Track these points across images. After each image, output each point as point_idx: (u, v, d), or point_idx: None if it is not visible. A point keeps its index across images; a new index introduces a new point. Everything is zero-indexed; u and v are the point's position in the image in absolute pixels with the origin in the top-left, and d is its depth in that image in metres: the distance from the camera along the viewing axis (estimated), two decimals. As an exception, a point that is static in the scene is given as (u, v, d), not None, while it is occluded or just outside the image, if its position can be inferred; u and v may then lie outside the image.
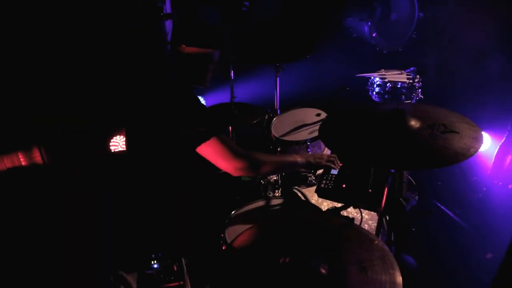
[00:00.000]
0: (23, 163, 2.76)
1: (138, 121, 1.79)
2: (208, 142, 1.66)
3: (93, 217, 2.30)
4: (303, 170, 2.32)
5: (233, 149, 1.70)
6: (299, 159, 1.86)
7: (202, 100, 4.17)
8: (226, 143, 1.70)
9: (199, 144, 1.65)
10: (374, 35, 4.25)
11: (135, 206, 1.81)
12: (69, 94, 2.75)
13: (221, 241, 1.75)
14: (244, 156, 1.71)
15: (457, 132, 1.33)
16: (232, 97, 2.89)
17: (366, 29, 4.22)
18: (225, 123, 2.85)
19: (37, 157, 2.82)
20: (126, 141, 1.86)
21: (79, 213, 2.55)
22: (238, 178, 2.22)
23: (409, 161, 1.25)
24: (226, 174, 2.17)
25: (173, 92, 1.74)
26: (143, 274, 1.54)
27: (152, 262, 1.55)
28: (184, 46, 1.76)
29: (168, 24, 3.26)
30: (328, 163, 1.87)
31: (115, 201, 1.86)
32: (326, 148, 2.47)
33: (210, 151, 1.68)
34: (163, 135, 1.70)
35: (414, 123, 1.36)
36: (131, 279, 1.53)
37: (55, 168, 2.85)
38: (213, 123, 1.69)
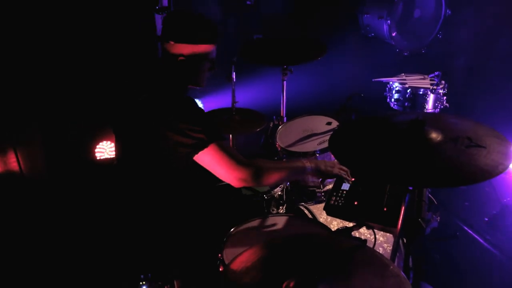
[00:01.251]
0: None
1: (128, 127, 1.83)
2: (206, 150, 1.68)
3: (75, 231, 2.33)
4: (311, 179, 2.35)
5: (235, 157, 1.73)
6: (308, 164, 1.88)
7: (200, 104, 4.22)
8: (227, 151, 1.72)
9: (196, 152, 1.68)
10: (394, 34, 4.29)
11: (123, 219, 1.84)
12: (51, 93, 2.80)
13: (218, 262, 1.77)
14: (247, 165, 1.73)
15: (484, 147, 1.35)
16: (234, 101, 2.93)
17: (385, 27, 4.26)
18: (225, 129, 2.88)
19: (13, 162, 2.86)
20: (115, 148, 1.89)
21: (59, 227, 2.58)
22: (239, 192, 2.24)
23: (428, 178, 1.28)
24: (226, 187, 2.21)
25: (166, 95, 1.77)
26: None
27: (141, 283, 1.58)
28: (172, 43, 1.78)
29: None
30: (339, 172, 1.91)
31: (100, 214, 1.90)
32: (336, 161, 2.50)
33: (209, 159, 1.70)
34: (155, 143, 1.73)
35: (435, 135, 1.39)
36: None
37: (33, 175, 2.88)
38: (211, 129, 1.71)
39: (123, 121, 1.85)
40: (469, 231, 2.80)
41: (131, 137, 1.81)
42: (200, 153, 1.68)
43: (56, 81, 2.80)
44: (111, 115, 1.93)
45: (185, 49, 1.79)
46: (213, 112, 3.07)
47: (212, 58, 1.87)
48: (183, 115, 1.71)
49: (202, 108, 4.17)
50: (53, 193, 2.79)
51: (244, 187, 2.26)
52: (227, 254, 1.77)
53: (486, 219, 2.84)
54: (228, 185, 2.21)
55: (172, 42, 1.78)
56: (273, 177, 1.80)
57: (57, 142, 2.97)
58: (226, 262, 1.72)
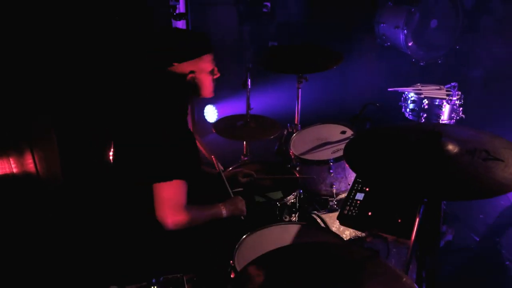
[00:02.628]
0: (14, 170, 2.84)
1: (121, 136, 1.89)
2: (163, 184, 1.72)
3: (88, 234, 2.36)
4: (324, 187, 2.47)
5: (183, 202, 1.77)
6: (224, 211, 1.96)
7: (214, 110, 4.24)
8: (182, 193, 1.76)
9: (159, 181, 1.73)
10: (410, 44, 4.27)
11: (134, 223, 1.86)
12: (66, 95, 2.83)
13: (230, 269, 1.78)
14: (188, 211, 1.78)
15: (502, 160, 1.34)
16: (248, 108, 2.94)
17: (401, 37, 4.25)
18: (240, 136, 2.90)
19: (30, 163, 2.90)
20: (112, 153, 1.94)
21: (73, 230, 2.61)
22: (252, 199, 2.24)
23: (444, 191, 1.27)
24: (240, 194, 2.22)
25: (165, 112, 1.82)
26: (142, 301, 1.58)
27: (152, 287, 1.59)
28: (176, 64, 1.82)
29: (181, 26, 3.36)
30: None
31: (110, 216, 1.92)
32: (351, 171, 2.49)
33: (161, 193, 1.74)
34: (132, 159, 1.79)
35: (451, 147, 1.38)
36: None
37: (49, 177, 2.92)
38: (182, 165, 1.76)
39: (118, 130, 1.92)
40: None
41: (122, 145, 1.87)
42: (159, 184, 1.73)
43: (72, 82, 2.83)
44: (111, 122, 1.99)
45: (190, 66, 1.85)
46: (227, 119, 3.09)
47: (214, 65, 1.93)
48: (167, 141, 1.76)
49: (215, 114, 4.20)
50: (68, 195, 2.83)
51: (257, 195, 2.27)
52: (239, 260, 1.78)
53: (482, 215, 2.87)
54: (242, 192, 2.23)
55: (176, 64, 1.83)
56: (195, 222, 1.83)
57: (72, 145, 3.01)
58: (238, 269, 1.72)
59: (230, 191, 2.16)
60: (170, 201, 1.75)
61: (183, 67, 1.84)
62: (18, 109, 2.67)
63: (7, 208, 2.61)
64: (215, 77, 1.96)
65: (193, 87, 1.89)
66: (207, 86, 1.94)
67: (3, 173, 2.66)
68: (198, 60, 1.85)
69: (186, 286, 1.65)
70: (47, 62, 2.70)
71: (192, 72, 1.85)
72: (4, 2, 2.47)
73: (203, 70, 1.88)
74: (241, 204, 2.06)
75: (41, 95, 2.73)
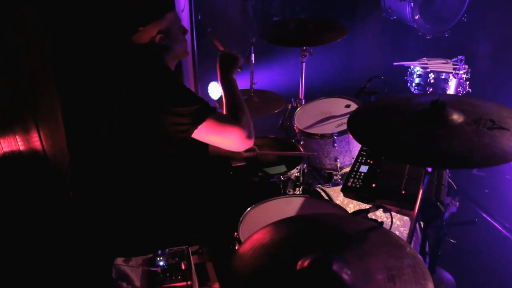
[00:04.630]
0: (21, 148, 2.85)
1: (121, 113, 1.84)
2: (204, 125, 1.72)
3: (92, 208, 2.38)
4: (328, 162, 2.47)
5: (230, 122, 1.79)
6: (231, 76, 1.99)
7: (218, 86, 4.20)
8: (223, 120, 1.78)
9: (195, 128, 1.72)
10: (416, 17, 4.19)
11: (135, 195, 1.87)
12: (72, 71, 2.81)
13: (234, 240, 1.79)
14: (238, 123, 1.81)
15: (507, 129, 1.33)
16: (252, 83, 2.92)
17: (407, 10, 4.17)
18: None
19: (36, 141, 2.91)
20: None
21: (76, 202, 2.63)
22: (256, 172, 2.24)
23: (448, 159, 1.26)
24: (243, 168, 2.22)
25: (153, 80, 1.78)
26: (148, 271, 1.59)
27: (158, 259, 1.61)
28: (141, 28, 1.78)
29: (184, 1, 3.31)
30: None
31: (115, 191, 1.93)
32: (356, 144, 2.48)
33: (209, 133, 1.75)
34: (150, 128, 1.76)
35: (456, 117, 1.36)
36: (135, 276, 1.59)
37: (56, 156, 2.93)
38: (204, 104, 1.75)
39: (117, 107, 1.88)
40: (488, 218, 2.76)
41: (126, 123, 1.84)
42: (199, 129, 1.72)
43: (77, 61, 2.81)
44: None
45: (156, 27, 1.80)
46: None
47: (179, 21, 1.89)
48: (175, 97, 1.74)
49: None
50: (75, 171, 2.84)
51: (260, 169, 2.26)
52: (243, 232, 1.79)
53: (487, 190, 2.87)
54: (245, 166, 2.23)
55: (141, 28, 1.79)
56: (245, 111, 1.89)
57: (78, 123, 3.01)
58: (242, 240, 1.73)
59: None
60: (228, 130, 1.79)
61: (150, 30, 1.80)
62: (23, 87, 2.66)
63: (15, 184, 2.63)
64: (185, 33, 1.93)
65: (166, 48, 1.85)
66: (179, 44, 1.90)
67: (10, 150, 2.67)
68: (162, 19, 1.81)
69: (191, 257, 1.67)
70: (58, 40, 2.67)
71: (159, 32, 1.81)
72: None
73: (171, 28, 1.84)
74: (228, 57, 2.03)
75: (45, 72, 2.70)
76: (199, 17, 4.15)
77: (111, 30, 1.98)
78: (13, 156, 2.67)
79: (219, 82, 2.02)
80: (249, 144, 1.86)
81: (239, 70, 2.06)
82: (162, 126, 1.73)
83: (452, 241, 2.21)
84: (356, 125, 1.48)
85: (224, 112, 1.93)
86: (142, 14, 1.79)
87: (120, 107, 1.80)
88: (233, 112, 1.88)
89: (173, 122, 1.72)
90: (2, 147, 2.63)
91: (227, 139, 1.81)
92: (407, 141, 1.33)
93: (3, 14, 2.35)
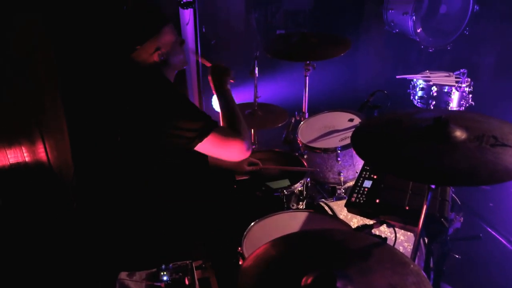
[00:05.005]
0: (26, 159, 2.87)
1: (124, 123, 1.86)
2: (207, 139, 1.74)
3: (96, 220, 2.39)
4: (332, 176, 2.44)
5: (229, 134, 1.82)
6: (226, 87, 2.01)
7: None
8: (224, 134, 1.80)
9: (200, 141, 1.74)
10: (419, 30, 4.21)
11: (139, 209, 1.88)
12: (77, 83, 2.83)
13: (238, 255, 1.79)
14: (237, 135, 1.83)
15: (510, 146, 1.33)
16: (256, 96, 2.94)
17: (410, 23, 4.19)
18: (247, 124, 2.92)
19: (42, 152, 2.92)
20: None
21: (80, 213, 2.63)
22: (260, 187, 2.25)
23: (451, 176, 1.26)
24: (246, 182, 2.22)
25: (157, 94, 1.80)
26: (152, 286, 1.60)
27: (162, 274, 1.61)
28: (139, 47, 1.80)
29: (188, 14, 3.34)
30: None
31: (119, 204, 1.94)
32: (359, 159, 2.48)
33: (212, 147, 1.77)
34: (154, 140, 1.78)
35: (459, 133, 1.37)
36: (138, 291, 1.59)
37: (61, 167, 2.94)
38: (207, 119, 1.78)
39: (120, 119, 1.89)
40: (493, 232, 2.74)
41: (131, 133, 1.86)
42: (203, 142, 1.75)
43: (81, 71, 2.83)
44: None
45: (153, 44, 1.83)
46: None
47: (176, 34, 1.91)
48: (180, 112, 1.76)
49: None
50: (79, 183, 2.85)
51: (264, 183, 2.27)
52: (247, 248, 1.79)
53: (491, 204, 2.85)
54: (249, 179, 2.24)
55: (138, 47, 1.81)
56: (243, 122, 1.91)
57: (82, 134, 3.02)
58: (246, 255, 1.73)
59: None
60: (224, 149, 1.81)
61: (148, 48, 1.82)
62: (30, 98, 2.68)
63: (20, 194, 2.65)
64: (182, 45, 1.96)
65: (165, 62, 1.87)
66: (177, 56, 1.92)
67: (16, 161, 2.69)
68: (159, 35, 1.83)
69: (195, 272, 1.67)
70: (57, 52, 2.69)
71: (157, 49, 1.83)
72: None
73: (168, 43, 1.86)
74: (219, 69, 2.05)
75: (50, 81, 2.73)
76: (204, 29, 4.19)
77: (111, 47, 2.01)
78: (19, 167, 2.69)
79: (215, 94, 2.04)
80: (247, 154, 1.88)
81: (232, 81, 2.08)
82: (166, 140, 1.76)
83: (457, 256, 2.19)
84: (360, 141, 1.49)
85: (221, 123, 1.95)
86: (138, 33, 1.82)
87: (124, 121, 1.82)
88: (231, 124, 1.90)
89: (177, 135, 1.74)
90: (8, 158, 2.65)
91: (228, 152, 1.83)
92: (410, 158, 1.34)
93: (8, 27, 2.39)
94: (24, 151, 2.74)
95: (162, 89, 1.82)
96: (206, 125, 1.76)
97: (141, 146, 1.82)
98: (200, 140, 1.74)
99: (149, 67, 1.85)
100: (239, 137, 1.83)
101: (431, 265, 1.74)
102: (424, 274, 1.24)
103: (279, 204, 2.20)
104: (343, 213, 2.12)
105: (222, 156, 1.85)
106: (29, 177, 2.76)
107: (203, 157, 1.90)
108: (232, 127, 1.88)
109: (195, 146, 1.76)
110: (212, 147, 1.79)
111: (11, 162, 2.67)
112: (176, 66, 1.95)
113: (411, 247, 1.79)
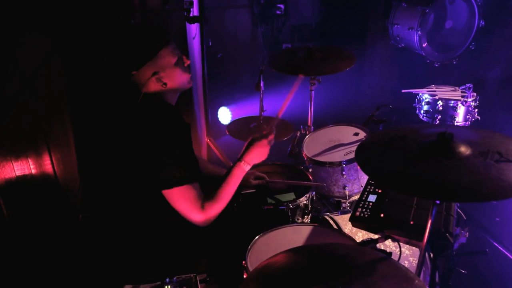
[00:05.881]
0: (33, 171, 2.89)
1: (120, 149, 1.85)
2: (173, 191, 1.71)
3: (101, 232, 2.40)
4: (337, 189, 2.44)
5: (199, 203, 1.75)
6: (244, 165, 1.89)
7: (228, 112, 4.27)
8: (194, 197, 1.74)
9: (161, 189, 1.72)
10: (424, 45, 4.24)
11: (143, 223, 1.89)
12: (83, 96, 2.87)
13: (242, 269, 1.79)
14: (210, 205, 1.77)
15: (515, 162, 1.34)
16: (262, 110, 2.96)
17: (415, 38, 4.22)
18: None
19: (48, 164, 2.95)
20: None
21: (85, 226, 2.65)
22: (265, 200, 2.26)
23: (456, 192, 1.27)
24: (252, 195, 2.23)
25: (151, 121, 1.77)
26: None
27: (166, 287, 1.61)
28: (135, 72, 1.76)
29: (195, 28, 3.40)
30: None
31: (124, 217, 1.95)
32: (363, 173, 2.49)
33: (176, 199, 1.74)
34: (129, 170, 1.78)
35: (464, 149, 1.38)
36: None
37: (67, 180, 2.97)
38: (190, 168, 1.73)
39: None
40: (499, 247, 2.72)
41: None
42: (166, 192, 1.72)
43: (89, 83, 2.87)
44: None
45: (150, 69, 1.76)
46: (241, 120, 3.11)
47: (177, 54, 1.82)
48: (166, 147, 1.72)
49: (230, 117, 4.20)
50: (85, 196, 2.87)
51: (270, 196, 2.28)
52: (251, 261, 1.79)
53: (498, 219, 2.84)
54: (254, 193, 2.25)
55: (134, 72, 1.77)
56: (225, 199, 1.83)
57: (89, 148, 3.05)
58: (250, 269, 1.74)
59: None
60: (189, 207, 1.74)
61: (145, 72, 1.76)
62: (37, 111, 2.72)
63: (26, 207, 2.67)
64: (185, 65, 1.87)
65: (164, 84, 1.79)
66: (178, 79, 1.83)
67: (22, 173, 2.72)
68: (155, 59, 1.76)
69: (199, 286, 1.67)
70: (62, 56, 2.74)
71: (155, 73, 1.76)
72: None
73: (166, 66, 1.78)
74: (259, 145, 1.94)
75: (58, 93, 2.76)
76: (210, 43, 4.24)
77: (114, 69, 1.99)
78: (25, 179, 2.71)
79: (238, 159, 1.93)
80: (200, 225, 1.79)
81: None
82: (148, 175, 1.76)
83: (463, 271, 2.18)
84: (364, 157, 1.50)
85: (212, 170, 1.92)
86: (133, 58, 1.76)
87: (116, 151, 1.85)
88: (215, 194, 1.82)
89: (153, 172, 1.74)
90: (15, 170, 2.68)
91: (185, 213, 1.77)
92: (414, 173, 1.35)
93: (16, 40, 2.43)
94: (30, 163, 2.76)
95: (155, 127, 1.76)
96: (181, 176, 1.72)
97: (135, 172, 1.83)
98: (168, 187, 1.72)
99: (149, 91, 1.80)
100: (201, 213, 1.76)
101: (437, 280, 1.73)
102: (428, 289, 1.24)
103: (285, 217, 2.20)
104: (348, 227, 2.12)
105: (180, 211, 1.77)
106: (35, 189, 2.78)
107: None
108: (211, 197, 1.80)
109: (162, 189, 1.73)
110: (174, 200, 1.74)
111: (17, 174, 2.69)
112: (178, 89, 1.89)
113: (416, 261, 1.79)
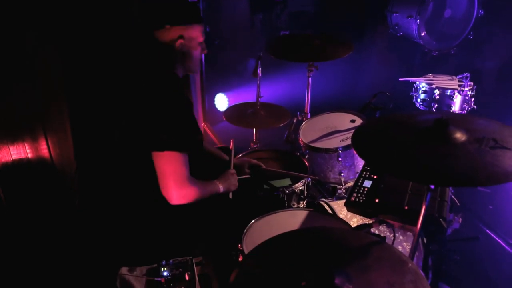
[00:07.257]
0: (29, 155, 2.89)
1: (123, 108, 1.86)
2: (160, 154, 1.70)
3: (97, 216, 2.41)
4: (332, 175, 2.49)
5: (187, 174, 1.75)
6: (220, 186, 1.96)
7: (225, 98, 4.26)
8: (183, 165, 1.73)
9: (152, 149, 1.71)
10: (423, 34, 4.22)
11: (140, 205, 1.90)
12: (81, 80, 2.85)
13: (238, 252, 1.81)
14: (193, 184, 1.77)
15: (509, 149, 1.35)
16: (259, 96, 2.96)
17: (414, 27, 4.20)
18: (249, 123, 2.90)
19: (44, 148, 2.94)
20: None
21: (82, 209, 2.65)
22: (261, 185, 2.27)
23: (450, 177, 1.28)
24: (247, 180, 2.24)
25: (157, 86, 1.78)
26: (152, 281, 1.61)
27: (162, 269, 1.62)
28: (168, 26, 1.78)
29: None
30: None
31: (121, 200, 1.96)
32: (360, 159, 2.50)
33: (160, 165, 1.73)
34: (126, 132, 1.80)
35: (459, 135, 1.38)
36: (139, 286, 1.61)
37: (63, 165, 2.96)
38: (179, 136, 1.72)
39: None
40: (492, 234, 2.76)
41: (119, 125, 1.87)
42: (156, 154, 1.72)
43: (87, 68, 2.85)
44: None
45: (181, 32, 1.81)
46: (238, 107, 3.10)
47: (204, 37, 1.89)
48: (162, 113, 1.73)
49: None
50: (81, 179, 2.87)
51: (265, 182, 2.29)
52: (247, 244, 1.81)
53: (491, 207, 2.88)
54: (250, 178, 2.26)
55: (168, 26, 1.79)
56: (199, 192, 1.82)
57: (85, 132, 3.04)
58: (246, 252, 1.75)
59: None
60: (173, 174, 1.72)
61: (173, 32, 1.80)
62: (34, 96, 2.70)
63: (23, 190, 2.67)
64: (203, 52, 1.93)
65: (181, 55, 1.84)
66: (194, 58, 1.89)
67: (19, 157, 2.71)
68: (188, 27, 1.82)
69: (195, 268, 1.69)
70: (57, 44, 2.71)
71: (181, 37, 1.81)
72: None
73: (193, 39, 1.84)
74: (233, 179, 2.07)
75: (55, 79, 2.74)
76: (208, 29, 4.21)
77: (137, 24, 1.96)
78: (21, 163, 2.71)
79: (219, 183, 1.99)
80: (171, 200, 1.76)
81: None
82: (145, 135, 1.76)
83: (456, 256, 2.21)
84: (360, 142, 1.51)
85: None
86: (175, 13, 1.81)
87: (119, 132, 1.85)
88: (197, 180, 1.82)
89: (150, 128, 1.74)
90: (11, 154, 2.68)
91: (165, 181, 1.74)
92: (409, 158, 1.36)
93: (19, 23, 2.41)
94: (27, 147, 2.75)
95: (161, 102, 1.77)
96: (180, 141, 1.72)
97: (137, 152, 1.83)
98: (160, 149, 1.71)
99: (164, 52, 1.83)
100: (181, 187, 1.74)
101: (430, 264, 1.76)
102: (421, 272, 1.26)
103: (280, 202, 2.22)
104: (343, 212, 2.14)
105: (160, 180, 1.76)
106: (31, 173, 2.78)
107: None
108: (194, 180, 1.80)
109: (153, 150, 1.73)
110: (157, 163, 1.74)
111: (13, 158, 2.68)
112: (188, 66, 1.91)
113: (410, 246, 1.81)
